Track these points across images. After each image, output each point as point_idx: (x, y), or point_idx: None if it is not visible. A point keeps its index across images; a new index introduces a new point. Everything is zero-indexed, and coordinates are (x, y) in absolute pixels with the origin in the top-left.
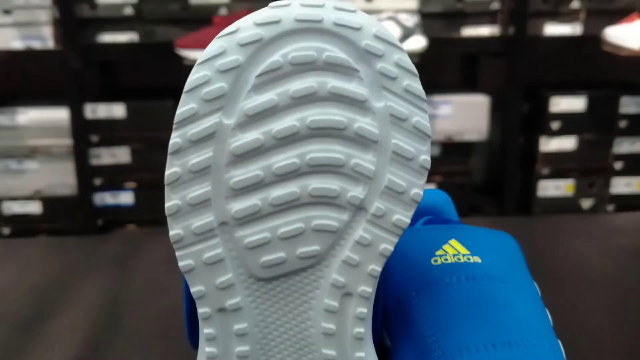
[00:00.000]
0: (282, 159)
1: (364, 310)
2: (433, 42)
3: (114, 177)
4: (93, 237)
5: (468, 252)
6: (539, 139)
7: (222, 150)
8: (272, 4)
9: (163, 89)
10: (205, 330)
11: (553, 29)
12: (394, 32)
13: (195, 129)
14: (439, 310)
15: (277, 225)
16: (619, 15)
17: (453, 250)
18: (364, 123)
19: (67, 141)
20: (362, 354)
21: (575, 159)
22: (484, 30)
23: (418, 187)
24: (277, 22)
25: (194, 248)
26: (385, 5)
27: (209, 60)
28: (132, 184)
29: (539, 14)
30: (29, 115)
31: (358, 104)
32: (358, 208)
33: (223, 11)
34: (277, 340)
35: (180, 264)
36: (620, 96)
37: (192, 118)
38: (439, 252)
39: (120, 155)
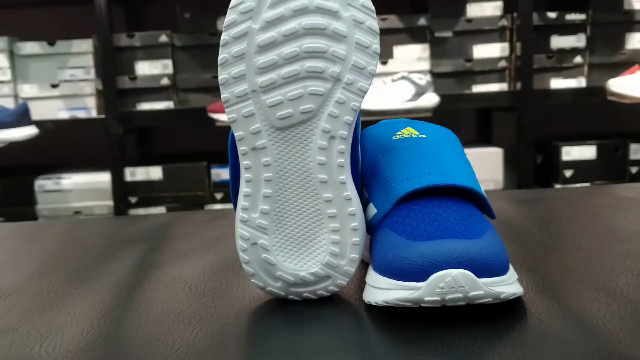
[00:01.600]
0: (288, 49)
1: (343, 146)
2: (445, 99)
3: None
4: (124, 217)
5: (417, 133)
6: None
7: (251, 44)
8: None
9: (196, 152)
10: (244, 162)
11: (559, 83)
12: (408, 90)
13: (235, 30)
14: (396, 162)
15: (287, 91)
16: (619, 67)
17: (408, 132)
18: (337, 25)
19: (108, 202)
20: (343, 177)
21: None
22: (493, 87)
23: (373, 65)
24: None
25: (236, 106)
26: (399, 67)
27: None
28: None
29: (544, 70)
30: (72, 180)
31: (333, 14)
32: (336, 79)
33: None
34: (289, 171)
35: (228, 117)
36: (629, 143)
37: (233, 24)
38: (398, 133)
39: None
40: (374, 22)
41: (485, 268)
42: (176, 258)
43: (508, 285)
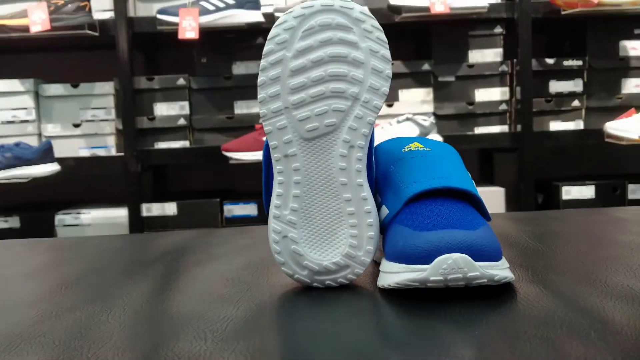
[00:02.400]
0: (316, 73)
1: (361, 154)
2: (449, 140)
3: None
4: (147, 234)
5: (423, 147)
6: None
7: (285, 69)
8: None
9: (210, 189)
10: (277, 167)
11: (557, 125)
12: (413, 131)
13: (272, 57)
14: (405, 169)
15: (314, 108)
16: (616, 111)
17: (415, 146)
18: (356, 54)
19: None
20: (360, 180)
21: None
22: (495, 129)
23: (386, 87)
24: (312, 6)
25: (272, 120)
26: (404, 109)
27: (279, 25)
28: None
29: (544, 112)
30: (91, 215)
31: (353, 45)
32: (355, 98)
33: None
34: (315, 175)
35: (265, 129)
36: (627, 183)
37: (271, 53)
38: (407, 146)
39: None
40: (387, 52)
41: (481, 253)
42: (211, 259)
43: (501, 269)
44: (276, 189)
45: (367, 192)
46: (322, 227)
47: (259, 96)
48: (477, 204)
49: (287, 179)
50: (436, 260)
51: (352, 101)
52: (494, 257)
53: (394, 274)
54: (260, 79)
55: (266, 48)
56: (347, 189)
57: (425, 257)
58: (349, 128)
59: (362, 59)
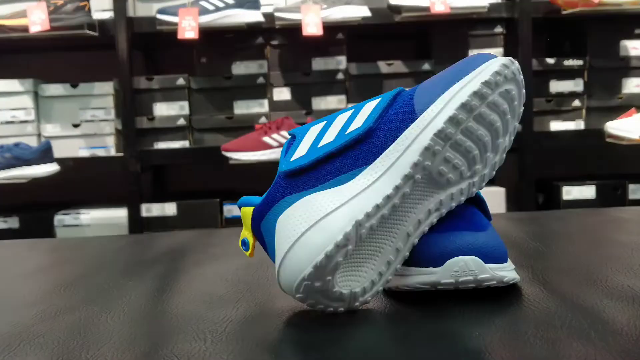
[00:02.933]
0: (480, 131)
1: (434, 222)
2: None
3: None
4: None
5: None
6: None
7: (480, 110)
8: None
9: (209, 189)
10: (386, 191)
11: (558, 125)
12: None
13: (487, 91)
14: None
15: (456, 157)
16: (616, 111)
17: None
18: (502, 140)
19: None
20: (416, 241)
21: None
22: None
23: (487, 180)
24: (519, 71)
25: (433, 149)
26: None
27: (497, 74)
28: None
29: (544, 112)
30: (91, 215)
31: (507, 130)
32: (474, 174)
33: (263, 119)
34: (396, 215)
35: (420, 146)
36: (628, 183)
37: (479, 95)
38: None
39: None
40: (509, 147)
41: (491, 256)
42: (211, 259)
43: (509, 271)
44: (368, 208)
45: (409, 252)
46: (357, 259)
47: (443, 123)
48: (479, 204)
49: (374, 212)
50: (447, 262)
51: (471, 174)
52: (502, 258)
53: (403, 277)
54: (465, 100)
55: (472, 88)
56: (405, 240)
57: (436, 260)
58: (447, 195)
59: (500, 148)
